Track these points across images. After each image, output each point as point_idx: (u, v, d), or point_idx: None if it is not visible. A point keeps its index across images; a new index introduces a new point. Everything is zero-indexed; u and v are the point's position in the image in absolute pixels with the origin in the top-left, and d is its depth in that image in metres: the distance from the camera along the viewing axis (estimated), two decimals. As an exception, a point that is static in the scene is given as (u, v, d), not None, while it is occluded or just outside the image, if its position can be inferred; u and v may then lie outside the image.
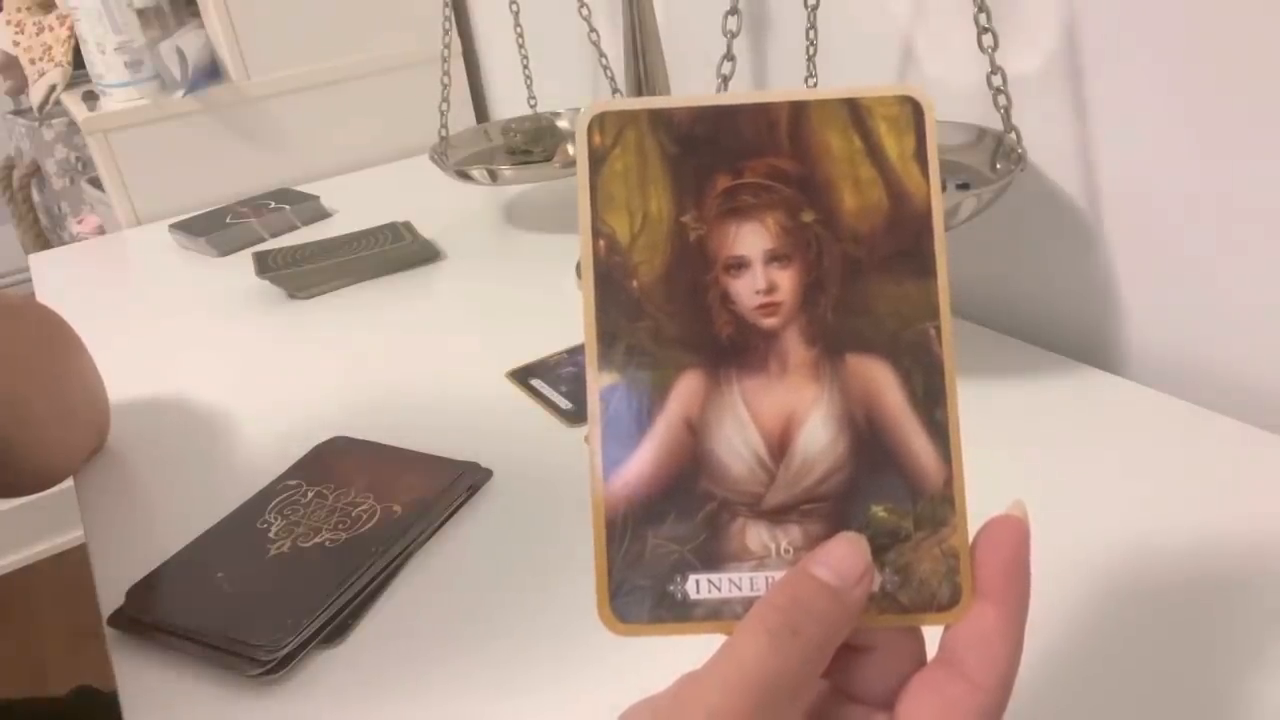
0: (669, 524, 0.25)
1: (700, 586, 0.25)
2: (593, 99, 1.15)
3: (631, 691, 0.26)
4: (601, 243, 0.26)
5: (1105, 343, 0.69)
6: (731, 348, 0.25)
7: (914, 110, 0.26)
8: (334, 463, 0.62)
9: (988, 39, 0.60)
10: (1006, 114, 0.63)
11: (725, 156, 0.26)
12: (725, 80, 0.62)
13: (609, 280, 0.26)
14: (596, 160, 0.26)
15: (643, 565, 0.25)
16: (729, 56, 0.61)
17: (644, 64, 0.83)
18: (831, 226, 0.26)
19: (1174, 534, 0.50)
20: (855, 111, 0.26)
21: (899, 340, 0.25)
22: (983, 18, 0.60)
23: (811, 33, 0.74)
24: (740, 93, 0.26)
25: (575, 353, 0.74)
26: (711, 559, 0.25)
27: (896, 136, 0.26)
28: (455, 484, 0.59)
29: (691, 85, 0.90)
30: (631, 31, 0.82)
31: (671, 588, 0.25)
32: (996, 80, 0.61)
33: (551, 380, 0.71)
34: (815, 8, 0.71)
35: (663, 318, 0.26)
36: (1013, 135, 0.63)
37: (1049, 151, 0.67)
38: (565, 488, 0.59)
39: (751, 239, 0.26)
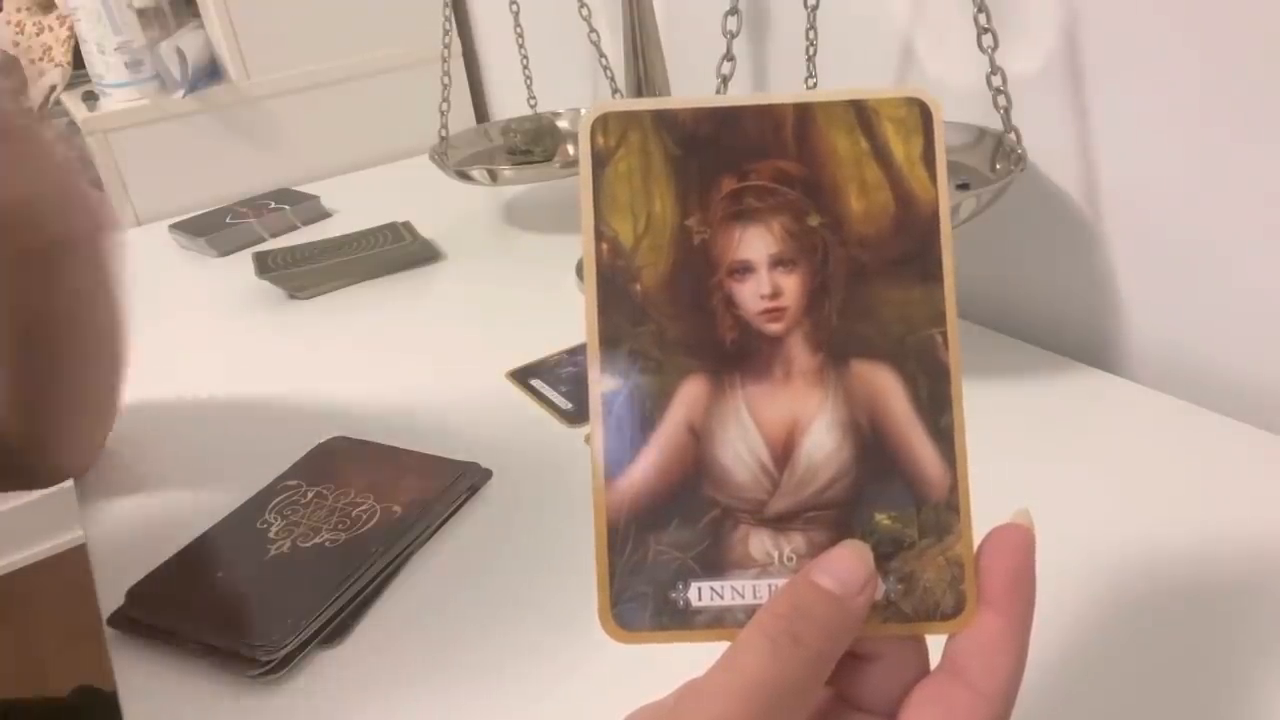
0: (671, 530, 0.25)
1: (702, 594, 0.25)
2: (593, 99, 1.15)
3: (633, 695, 0.26)
4: (604, 246, 0.25)
5: (1105, 343, 0.69)
6: (736, 353, 0.25)
7: (922, 112, 0.25)
8: (334, 463, 0.62)
9: (988, 39, 0.60)
10: (1006, 114, 0.63)
11: (730, 159, 0.25)
12: (725, 80, 0.62)
13: (612, 283, 0.25)
14: (599, 162, 0.25)
15: (644, 572, 0.25)
16: (729, 56, 0.61)
17: (644, 64, 0.83)
18: (837, 230, 0.25)
19: (1174, 534, 0.50)
20: (862, 113, 0.25)
21: (904, 346, 0.25)
22: (983, 18, 0.60)
23: (811, 33, 0.74)
24: (745, 94, 0.26)
25: (575, 353, 0.74)
26: (714, 566, 0.25)
27: (904, 139, 0.25)
28: (455, 484, 0.59)
29: (691, 85, 0.90)
30: (631, 32, 0.82)
31: (673, 595, 0.25)
32: (996, 80, 0.61)
33: (551, 380, 0.71)
34: (815, 8, 0.71)
35: (666, 322, 0.25)
36: (1013, 135, 0.63)
37: (1049, 151, 0.67)
38: (565, 488, 0.59)
39: (756, 243, 0.25)
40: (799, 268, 0.25)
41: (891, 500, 0.25)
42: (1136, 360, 0.67)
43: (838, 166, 0.25)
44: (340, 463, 0.62)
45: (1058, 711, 0.41)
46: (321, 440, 0.65)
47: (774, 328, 0.25)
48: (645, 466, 0.25)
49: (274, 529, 0.56)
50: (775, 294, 0.25)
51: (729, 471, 0.25)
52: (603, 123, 0.26)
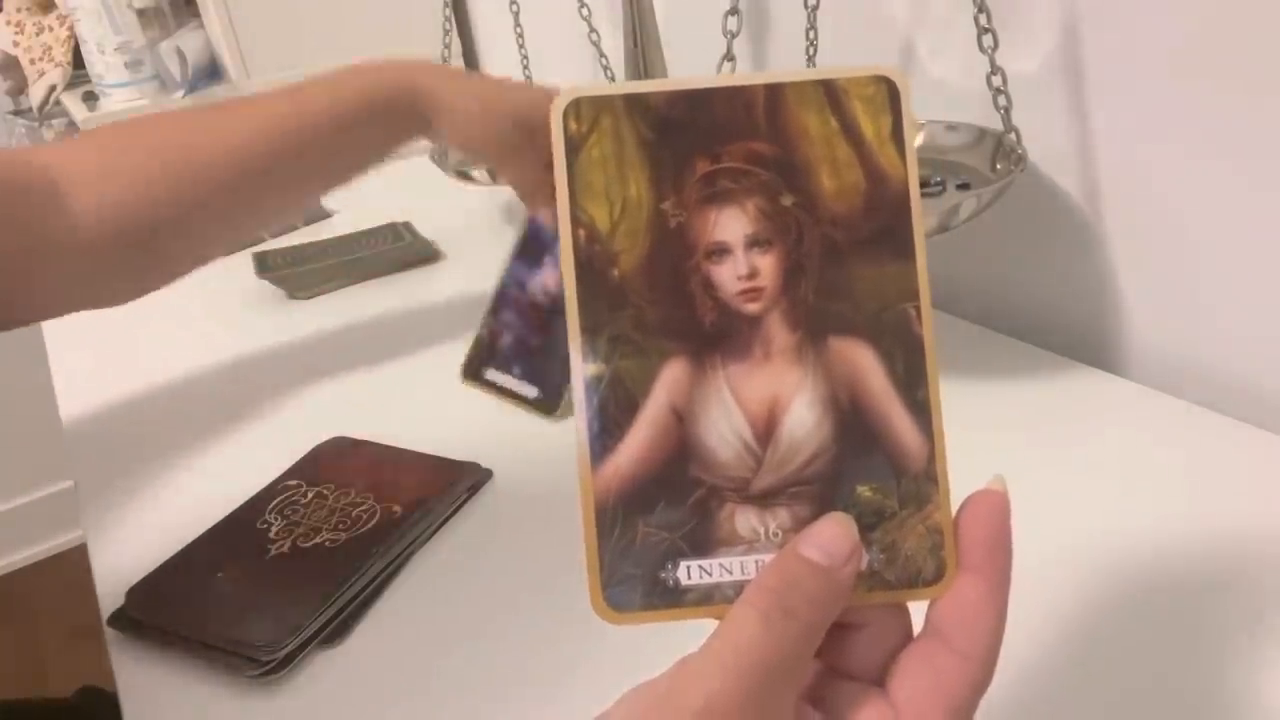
0: (658, 512, 0.25)
1: (691, 572, 0.25)
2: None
3: (631, 685, 0.26)
4: (581, 231, 0.25)
5: (1105, 343, 0.69)
6: (715, 334, 0.25)
7: (890, 90, 0.26)
8: (334, 463, 0.62)
9: (988, 39, 0.60)
10: (1006, 114, 0.63)
11: (703, 141, 0.26)
12: (725, 80, 0.62)
13: (590, 269, 0.25)
14: (573, 148, 0.26)
15: (633, 554, 0.25)
16: (729, 56, 0.61)
17: (644, 64, 0.83)
18: (811, 209, 0.26)
19: (1174, 533, 0.50)
20: (831, 92, 0.26)
21: (880, 321, 0.25)
22: (983, 18, 0.60)
23: (811, 33, 0.74)
24: (716, 75, 0.26)
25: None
26: (702, 545, 0.25)
27: (873, 117, 0.26)
28: (455, 484, 0.59)
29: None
30: (632, 32, 0.82)
31: (663, 575, 0.25)
32: (996, 80, 0.61)
33: (501, 365, 0.70)
34: (815, 8, 0.71)
35: (645, 306, 0.25)
36: (1013, 135, 0.63)
37: (1049, 151, 0.67)
38: (565, 488, 0.59)
39: (732, 224, 0.26)
40: (774, 248, 0.26)
41: (872, 473, 0.25)
42: (1136, 360, 0.67)
43: (809, 146, 0.26)
44: (340, 463, 0.62)
45: (1054, 699, 0.41)
46: (321, 440, 0.65)
47: (752, 308, 0.25)
48: (630, 450, 0.25)
49: (274, 529, 0.56)
50: (752, 274, 0.26)
51: (713, 451, 0.25)
52: (575, 108, 0.26)
